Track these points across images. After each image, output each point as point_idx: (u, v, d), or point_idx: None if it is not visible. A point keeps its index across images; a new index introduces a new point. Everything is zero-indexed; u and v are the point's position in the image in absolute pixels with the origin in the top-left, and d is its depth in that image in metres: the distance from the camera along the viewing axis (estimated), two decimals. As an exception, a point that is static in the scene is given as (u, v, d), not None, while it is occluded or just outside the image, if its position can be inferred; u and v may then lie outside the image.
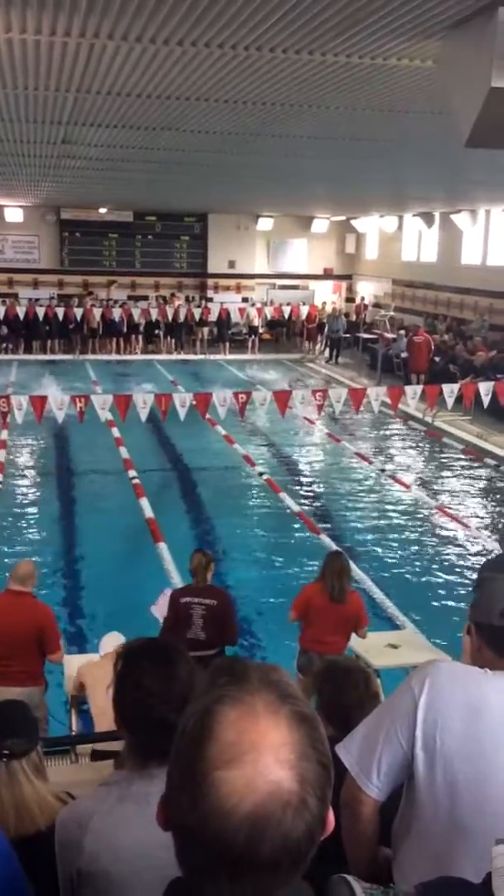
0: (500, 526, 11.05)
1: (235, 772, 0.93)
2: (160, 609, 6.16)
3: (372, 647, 6.40)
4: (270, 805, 0.93)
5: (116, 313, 24.25)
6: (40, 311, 23.93)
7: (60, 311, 24.03)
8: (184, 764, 0.98)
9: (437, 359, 19.44)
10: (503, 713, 1.97)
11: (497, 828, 1.87)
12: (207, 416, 12.46)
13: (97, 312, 24.22)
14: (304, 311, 26.08)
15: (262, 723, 0.96)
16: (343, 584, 5.99)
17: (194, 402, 11.47)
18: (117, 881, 1.73)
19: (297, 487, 12.65)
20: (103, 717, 4.73)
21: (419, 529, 11.10)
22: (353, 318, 26.29)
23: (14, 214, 25.02)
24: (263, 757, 0.94)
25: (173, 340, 25.13)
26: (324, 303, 26.96)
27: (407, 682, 2.06)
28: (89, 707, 5.33)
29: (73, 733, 5.53)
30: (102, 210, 25.59)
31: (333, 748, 2.09)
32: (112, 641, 5.66)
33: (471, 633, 2.25)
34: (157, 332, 24.99)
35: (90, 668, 5.49)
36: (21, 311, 24.03)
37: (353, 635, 6.19)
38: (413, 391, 11.74)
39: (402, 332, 21.63)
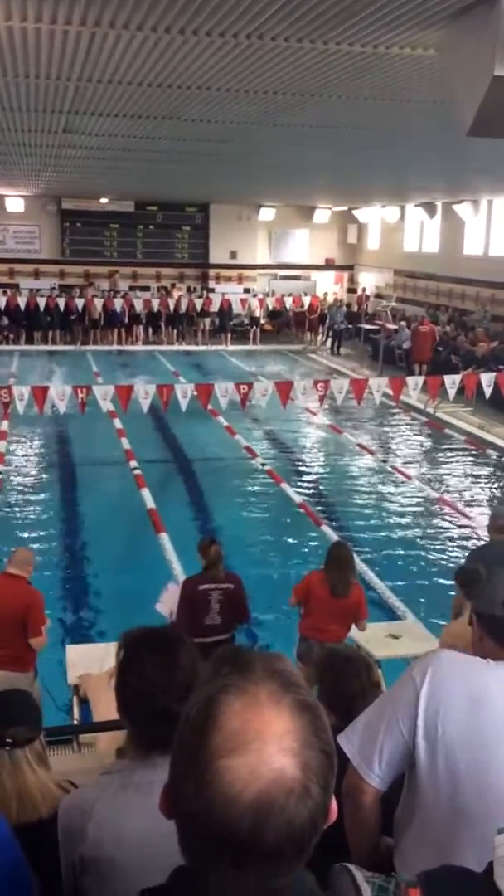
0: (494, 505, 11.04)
1: (239, 760, 0.94)
2: (166, 605, 6.16)
3: (373, 638, 6.42)
4: (274, 793, 0.94)
5: (118, 304, 24.21)
6: (41, 302, 23.89)
7: (62, 302, 23.99)
8: (188, 752, 0.98)
9: (439, 349, 19.41)
10: (504, 702, 1.98)
11: (498, 816, 1.88)
12: (209, 406, 12.45)
13: (98, 303, 24.18)
14: (306, 301, 26.02)
15: (266, 712, 0.97)
16: (346, 577, 6.00)
17: (196, 393, 11.47)
18: (120, 868, 1.74)
19: (299, 478, 12.65)
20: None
21: (420, 520, 11.11)
22: (355, 308, 26.24)
23: (15, 204, 24.96)
24: (267, 745, 0.95)
25: (175, 331, 25.11)
26: (325, 293, 26.91)
27: (409, 672, 2.07)
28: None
29: (76, 722, 5.53)
30: (103, 200, 25.52)
31: (335, 737, 2.11)
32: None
33: (472, 624, 2.25)
34: (159, 323, 24.96)
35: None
36: (22, 302, 23.98)
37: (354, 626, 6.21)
38: (415, 382, 11.73)
39: (403, 322, 21.59)
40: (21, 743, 2.54)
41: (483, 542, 7.59)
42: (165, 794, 1.04)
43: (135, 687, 1.84)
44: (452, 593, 5.85)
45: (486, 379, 11.56)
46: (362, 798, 2.03)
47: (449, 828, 1.93)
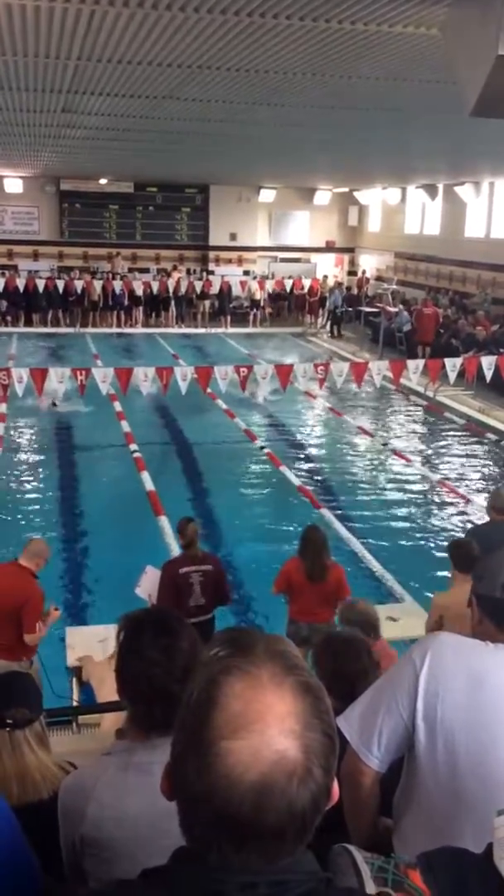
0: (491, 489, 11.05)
1: (241, 742, 0.94)
2: (145, 589, 6.16)
3: (372, 620, 6.43)
4: (276, 774, 0.94)
5: (117, 286, 24.10)
6: (40, 284, 23.78)
7: (61, 284, 23.87)
8: (190, 733, 0.98)
9: (441, 331, 19.35)
10: (503, 685, 1.98)
11: (498, 798, 1.88)
12: (209, 389, 12.43)
13: (98, 285, 24.07)
14: (307, 284, 25.91)
15: (268, 693, 0.97)
16: (321, 562, 6.07)
17: (195, 376, 11.45)
18: (120, 848, 1.75)
19: (298, 461, 12.64)
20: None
21: (420, 503, 11.12)
22: (355, 291, 26.14)
23: (13, 185, 24.81)
24: (269, 727, 0.95)
25: (174, 314, 25.01)
26: (325, 276, 26.80)
27: (408, 655, 2.06)
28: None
29: (75, 704, 5.56)
30: (103, 181, 25.35)
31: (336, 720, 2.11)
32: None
33: (471, 606, 2.25)
34: (158, 305, 24.83)
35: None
36: (21, 284, 23.86)
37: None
38: (415, 365, 11.69)
39: (402, 306, 21.53)
40: (21, 724, 2.54)
41: (482, 523, 7.61)
42: (167, 776, 1.04)
43: (135, 668, 1.85)
44: (450, 575, 5.86)
45: (487, 362, 11.52)
46: (361, 780, 2.04)
47: (448, 809, 1.94)
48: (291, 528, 9.86)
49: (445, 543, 9.48)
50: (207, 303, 25.21)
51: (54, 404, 11.08)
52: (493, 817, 1.49)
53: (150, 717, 1.82)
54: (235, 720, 0.95)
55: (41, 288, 23.76)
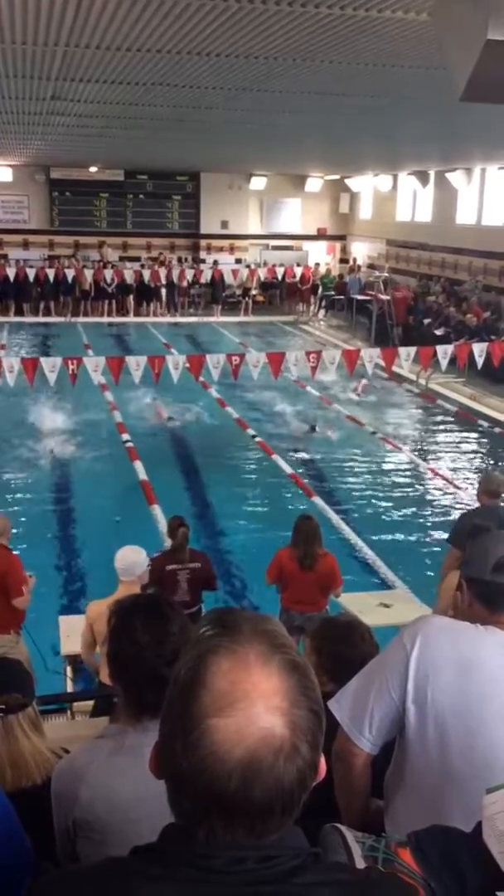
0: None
1: (228, 719, 0.96)
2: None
3: (364, 607, 6.48)
4: (262, 751, 0.95)
5: (108, 275, 24.00)
6: (31, 273, 23.66)
7: (51, 273, 23.76)
8: (177, 712, 1.00)
9: (426, 321, 19.38)
10: (493, 668, 2.00)
11: (486, 778, 1.90)
12: (201, 378, 12.40)
13: (88, 274, 23.96)
14: (298, 272, 25.86)
15: (254, 671, 0.98)
16: (312, 550, 6.10)
17: (187, 365, 11.42)
18: (113, 830, 1.76)
19: (290, 450, 12.64)
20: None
21: (411, 491, 11.15)
22: (347, 279, 26.09)
23: (3, 174, 24.65)
24: (255, 705, 0.96)
25: (166, 303, 24.92)
26: (317, 264, 26.74)
27: (399, 638, 2.08)
28: (88, 663, 5.33)
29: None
30: (93, 169, 25.20)
31: (328, 703, 2.13)
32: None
33: (461, 589, 2.26)
34: (150, 294, 24.74)
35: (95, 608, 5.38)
36: (11, 273, 23.73)
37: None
38: (407, 353, 11.69)
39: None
40: (14, 709, 2.55)
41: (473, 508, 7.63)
42: (155, 754, 1.05)
43: (126, 652, 1.86)
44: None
45: (478, 349, 11.52)
46: (353, 762, 2.05)
47: (438, 790, 1.96)
48: (284, 517, 9.89)
49: (438, 531, 9.57)
50: (199, 291, 25.08)
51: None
52: (483, 796, 1.51)
53: (142, 701, 1.83)
54: (222, 698, 0.97)
55: (32, 277, 23.65)
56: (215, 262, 26.13)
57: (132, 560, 5.11)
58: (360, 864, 1.38)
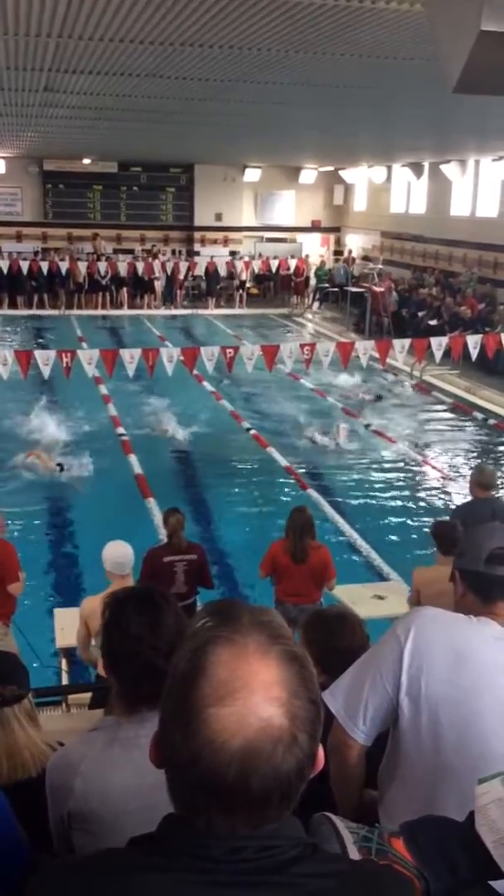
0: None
1: (227, 709, 0.96)
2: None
3: (358, 599, 6.50)
4: (261, 741, 0.96)
5: (102, 267, 23.93)
6: (24, 266, 23.57)
7: (45, 266, 23.67)
8: (176, 701, 1.00)
9: (420, 313, 19.38)
10: (487, 660, 2.01)
11: (479, 770, 1.91)
12: (195, 371, 12.38)
13: (82, 266, 23.88)
14: (293, 264, 25.82)
15: (254, 662, 0.99)
16: (304, 544, 6.09)
17: (182, 358, 11.39)
18: (108, 822, 1.77)
19: (285, 442, 12.63)
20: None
21: (405, 482, 11.17)
22: (350, 272, 26.05)
23: (-4, 166, 24.56)
24: (254, 695, 0.97)
25: (160, 295, 24.85)
26: (306, 255, 26.68)
27: (392, 630, 2.09)
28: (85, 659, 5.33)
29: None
30: (86, 161, 25.10)
31: (322, 695, 2.14)
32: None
33: (455, 580, 2.27)
34: (144, 287, 24.66)
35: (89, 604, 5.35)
36: (4, 266, 23.63)
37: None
38: (401, 345, 11.68)
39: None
40: (10, 701, 2.56)
41: (466, 501, 7.66)
42: (154, 743, 1.05)
43: (121, 644, 1.86)
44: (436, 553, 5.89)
45: (473, 341, 11.52)
46: (348, 753, 2.07)
47: (432, 782, 1.97)
48: (278, 509, 9.90)
49: (430, 520, 9.56)
50: (193, 284, 25.01)
51: (60, 467, 11.09)
52: (475, 787, 1.52)
53: (137, 693, 1.84)
54: (221, 688, 0.97)
55: (25, 270, 23.56)
56: (197, 254, 26.08)
57: (122, 554, 5.10)
58: (354, 853, 1.39)
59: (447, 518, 6.34)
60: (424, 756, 1.99)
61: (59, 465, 10.48)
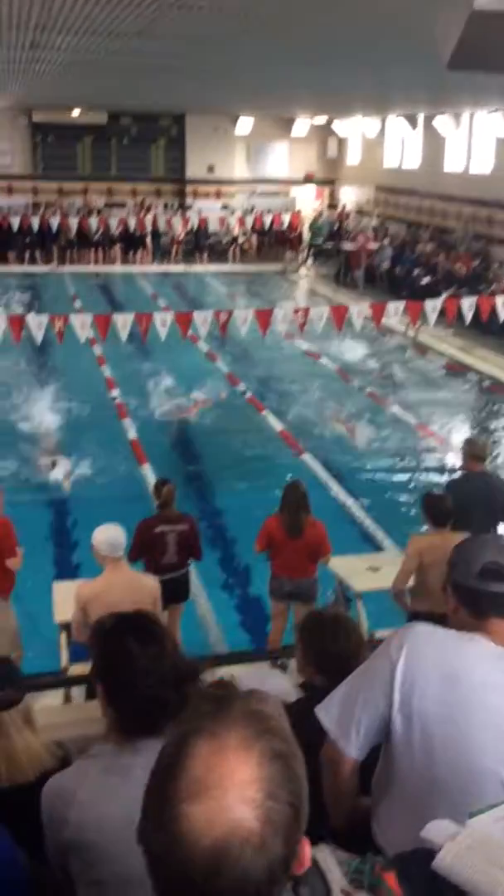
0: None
1: (199, 806, 0.95)
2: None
3: (353, 571, 6.52)
4: (230, 842, 0.94)
5: (93, 223, 23.57)
6: (15, 222, 23.20)
7: (35, 221, 23.30)
8: (155, 791, 1.00)
9: (416, 270, 19.19)
10: (478, 676, 2.03)
11: (471, 786, 1.96)
12: (190, 332, 12.28)
13: (73, 222, 23.52)
14: (286, 220, 25.45)
15: (233, 758, 0.97)
16: (299, 518, 6.11)
17: (174, 319, 11.27)
18: (105, 851, 1.79)
19: (280, 406, 12.60)
20: None
21: (400, 448, 11.17)
22: (336, 226, 25.73)
23: (-17, 119, 24.03)
24: (228, 793, 0.95)
25: (152, 251, 24.54)
26: (298, 210, 26.28)
27: (385, 647, 2.11)
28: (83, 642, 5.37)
29: (64, 662, 5.65)
30: (75, 112, 24.54)
31: (313, 710, 2.17)
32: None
33: (446, 592, 2.29)
34: (136, 242, 24.32)
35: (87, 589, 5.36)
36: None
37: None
38: (395, 307, 11.58)
39: (387, 240, 21.30)
40: (6, 705, 2.59)
41: (458, 472, 7.69)
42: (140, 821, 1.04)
43: (125, 678, 1.85)
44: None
45: (467, 304, 11.39)
46: (340, 768, 2.10)
47: (424, 797, 2.01)
48: (274, 475, 9.93)
49: (426, 488, 9.59)
50: (184, 239, 24.67)
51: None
52: (467, 811, 1.55)
53: (136, 722, 1.84)
54: (196, 784, 0.95)
55: (16, 226, 23.19)
56: (189, 208, 25.66)
57: (116, 536, 5.10)
58: (342, 883, 1.40)
59: (435, 492, 6.35)
60: (417, 771, 2.03)
61: (52, 462, 10.39)
